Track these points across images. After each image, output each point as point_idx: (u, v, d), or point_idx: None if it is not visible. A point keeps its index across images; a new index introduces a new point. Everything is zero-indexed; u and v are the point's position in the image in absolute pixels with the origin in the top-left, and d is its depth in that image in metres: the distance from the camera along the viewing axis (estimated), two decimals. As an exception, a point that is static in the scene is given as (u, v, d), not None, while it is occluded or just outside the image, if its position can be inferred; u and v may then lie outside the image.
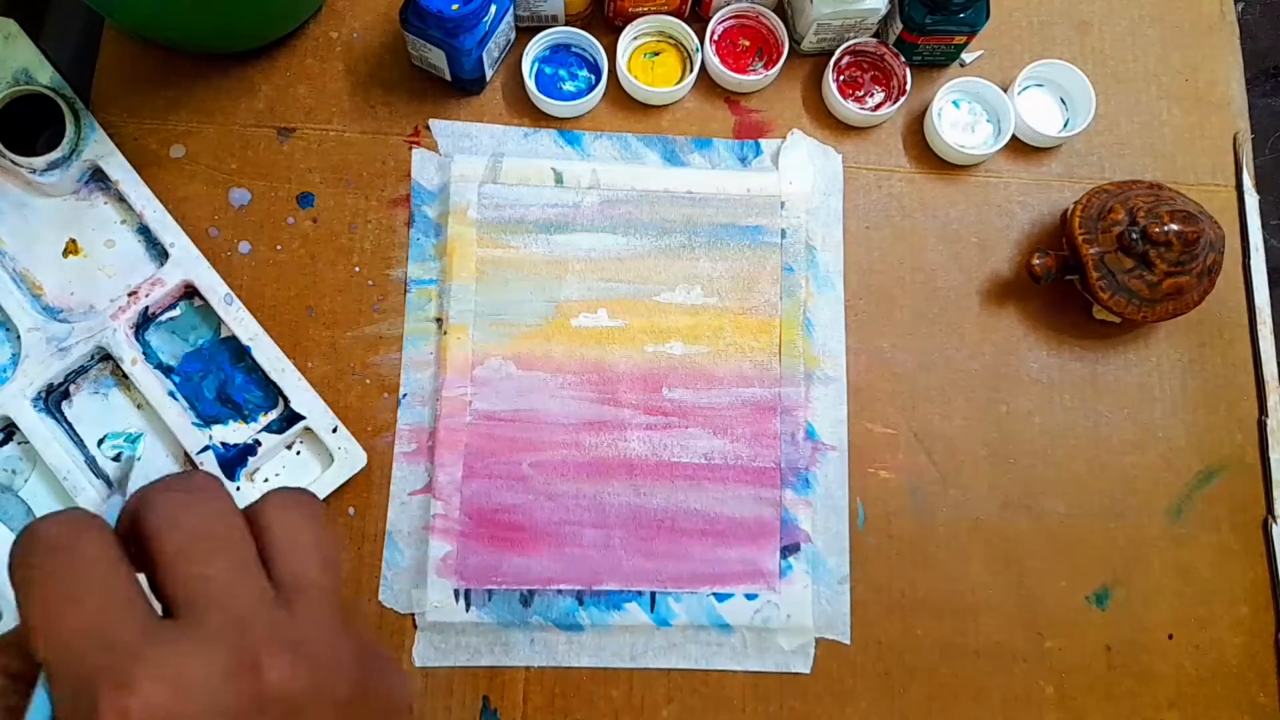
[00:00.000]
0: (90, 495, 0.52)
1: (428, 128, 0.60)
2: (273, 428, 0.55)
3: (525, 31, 0.60)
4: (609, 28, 0.61)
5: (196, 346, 0.56)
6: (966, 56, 0.64)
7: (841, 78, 0.62)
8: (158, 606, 0.25)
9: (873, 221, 0.61)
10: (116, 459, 0.54)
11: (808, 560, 0.55)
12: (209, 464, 0.53)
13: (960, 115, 0.62)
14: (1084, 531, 0.58)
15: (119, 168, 0.56)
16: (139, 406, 0.55)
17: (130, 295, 0.55)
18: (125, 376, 0.54)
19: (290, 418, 0.54)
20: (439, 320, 0.57)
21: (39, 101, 0.55)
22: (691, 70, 0.60)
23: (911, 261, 0.60)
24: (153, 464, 0.55)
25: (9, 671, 0.25)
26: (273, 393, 0.55)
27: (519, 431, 0.56)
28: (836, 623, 0.55)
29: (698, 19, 0.62)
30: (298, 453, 0.55)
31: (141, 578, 0.26)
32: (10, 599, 0.51)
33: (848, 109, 0.60)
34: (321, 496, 0.53)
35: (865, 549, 0.56)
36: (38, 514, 0.53)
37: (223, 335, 0.56)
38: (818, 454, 0.57)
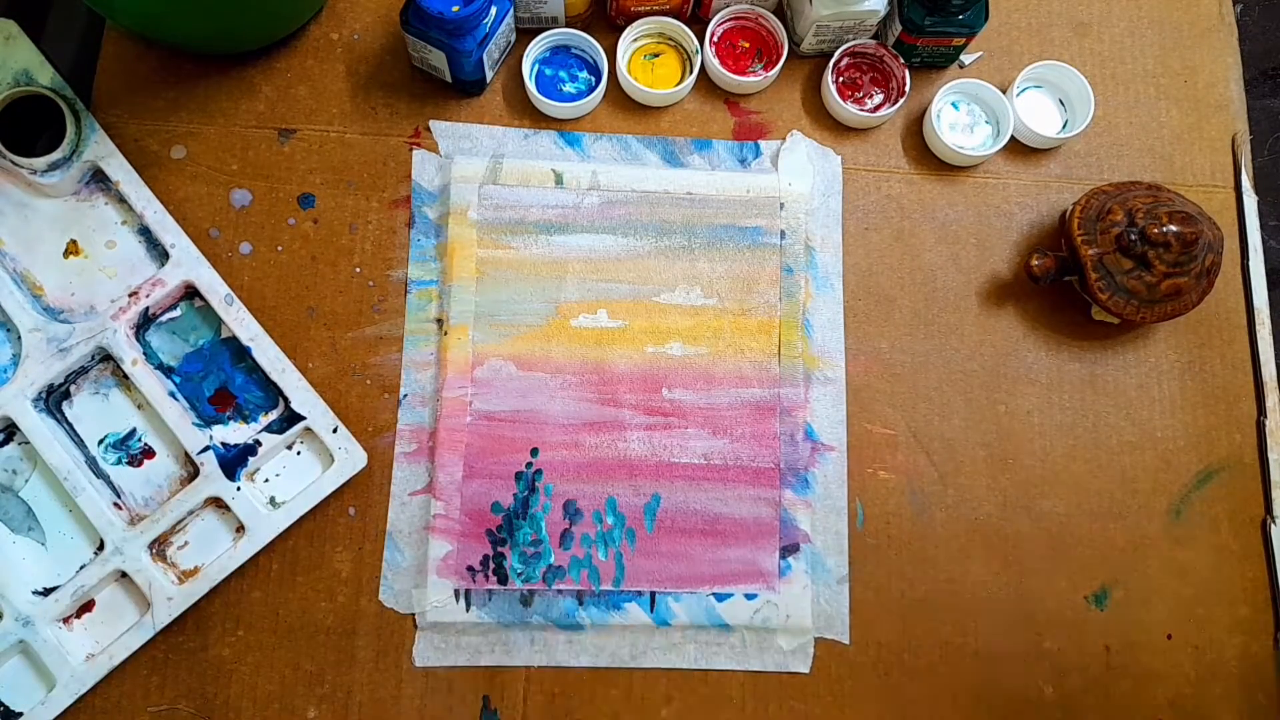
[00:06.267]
0: (90, 495, 0.52)
1: (428, 129, 0.60)
2: (273, 428, 0.55)
3: (525, 33, 0.61)
4: (609, 28, 0.62)
5: (197, 347, 0.56)
6: (965, 58, 0.64)
7: (841, 79, 0.62)
8: None
9: (872, 223, 0.61)
10: None
11: (807, 560, 0.55)
12: (209, 464, 0.53)
13: (959, 117, 0.62)
14: (1083, 532, 0.58)
15: (120, 168, 0.56)
16: (139, 407, 0.55)
17: (131, 296, 0.55)
18: (126, 377, 0.55)
19: (291, 418, 0.55)
20: (439, 321, 0.57)
21: (40, 102, 0.55)
22: (691, 72, 0.60)
23: (910, 262, 0.61)
24: (154, 464, 0.55)
25: None
26: (273, 393, 0.55)
27: (519, 432, 0.56)
28: (836, 623, 0.55)
29: (698, 20, 0.62)
30: (298, 453, 0.55)
31: None
32: (10, 597, 0.51)
33: (847, 110, 0.60)
34: (322, 496, 0.53)
35: (864, 549, 0.56)
36: (38, 514, 0.54)
37: (223, 336, 0.56)
38: (817, 454, 0.57)
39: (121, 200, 0.56)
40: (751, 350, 0.58)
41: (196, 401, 0.55)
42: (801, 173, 0.60)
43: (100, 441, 0.55)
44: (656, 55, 0.62)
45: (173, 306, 0.56)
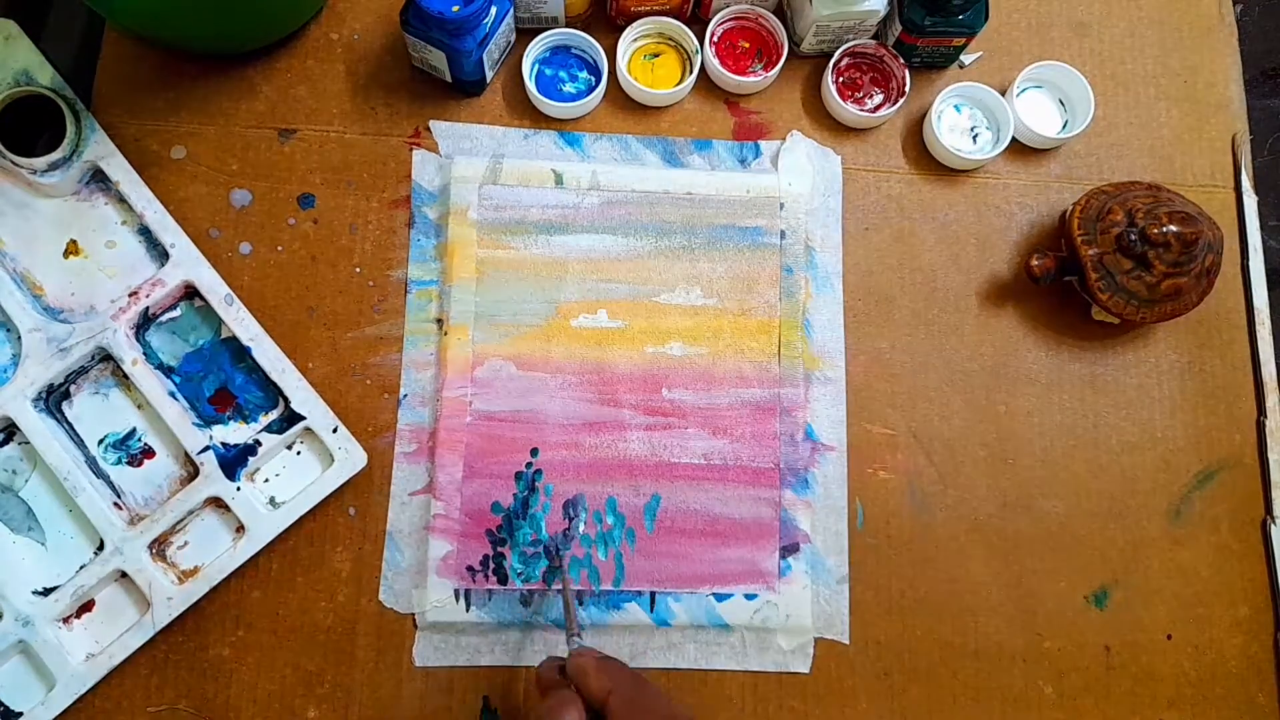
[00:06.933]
0: (90, 495, 0.52)
1: (428, 129, 0.60)
2: (273, 428, 0.55)
3: (525, 33, 0.61)
4: (610, 28, 0.62)
5: (197, 347, 0.56)
6: (965, 58, 0.64)
7: (840, 79, 0.62)
8: None
9: (872, 223, 0.61)
10: (554, 567, 0.54)
11: (807, 560, 0.55)
12: (209, 464, 0.53)
13: (960, 120, 0.62)
14: (1083, 532, 0.58)
15: (120, 169, 0.56)
16: (139, 407, 0.55)
17: (131, 296, 0.55)
18: (126, 377, 0.55)
19: (291, 418, 0.54)
20: (439, 321, 0.57)
21: (40, 102, 0.55)
22: (691, 72, 0.60)
23: (910, 263, 0.61)
24: (154, 464, 0.55)
25: None
26: (273, 393, 0.55)
27: (519, 432, 0.56)
28: (835, 622, 0.55)
29: (697, 20, 0.62)
30: (298, 453, 0.55)
31: None
32: (10, 597, 0.51)
33: (847, 110, 0.60)
34: (322, 497, 0.53)
35: (864, 549, 0.56)
36: (38, 514, 0.54)
37: (223, 336, 0.56)
38: (817, 454, 0.57)
39: (121, 200, 0.56)
40: (751, 350, 0.58)
41: (196, 401, 0.55)
42: (801, 173, 0.60)
43: (100, 441, 0.55)
44: (656, 55, 0.62)
45: (173, 306, 0.56)
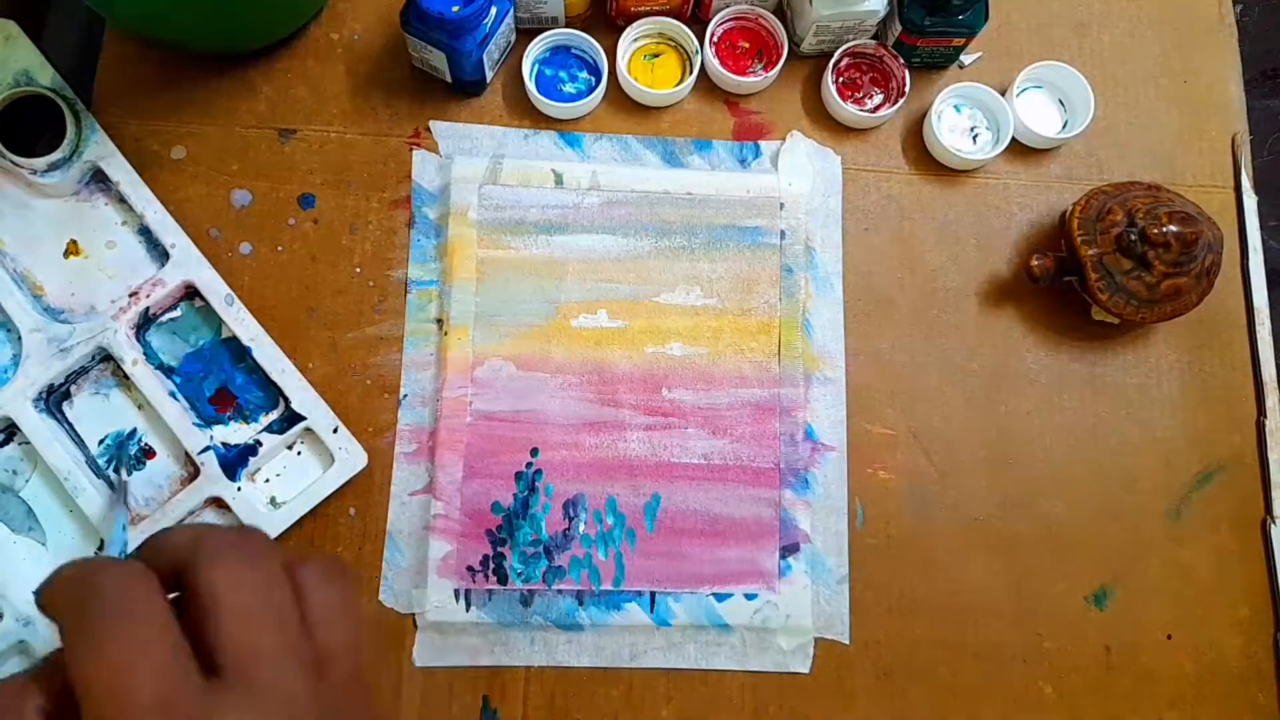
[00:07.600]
0: (91, 495, 0.52)
1: (428, 129, 0.60)
2: (274, 428, 0.55)
3: (525, 33, 0.61)
4: (609, 28, 0.62)
5: (197, 347, 0.56)
6: (965, 58, 0.64)
7: (840, 79, 0.62)
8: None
9: (872, 223, 0.61)
10: (114, 466, 0.54)
11: (807, 560, 0.56)
12: (210, 464, 0.53)
13: (960, 120, 0.62)
14: (1083, 532, 0.58)
15: (120, 169, 0.56)
16: (140, 407, 0.55)
17: (131, 296, 0.55)
18: (126, 377, 0.55)
19: (291, 418, 0.55)
20: (439, 321, 0.57)
21: (40, 103, 0.55)
22: (691, 72, 0.60)
23: (910, 263, 0.61)
24: (155, 464, 0.55)
25: (45, 712, 0.25)
26: (273, 393, 0.55)
27: (519, 432, 0.56)
28: (835, 623, 0.55)
29: (697, 20, 0.62)
30: (298, 453, 0.55)
31: None
32: (10, 597, 0.51)
33: (847, 111, 0.60)
34: (322, 497, 0.54)
35: (864, 549, 0.56)
36: (39, 514, 0.54)
37: (223, 336, 0.56)
38: (817, 454, 0.57)
39: (122, 200, 0.56)
40: (751, 350, 0.58)
41: (197, 402, 0.55)
42: (801, 173, 0.60)
43: (101, 441, 0.55)
44: (656, 55, 0.62)
45: (173, 307, 0.56)
